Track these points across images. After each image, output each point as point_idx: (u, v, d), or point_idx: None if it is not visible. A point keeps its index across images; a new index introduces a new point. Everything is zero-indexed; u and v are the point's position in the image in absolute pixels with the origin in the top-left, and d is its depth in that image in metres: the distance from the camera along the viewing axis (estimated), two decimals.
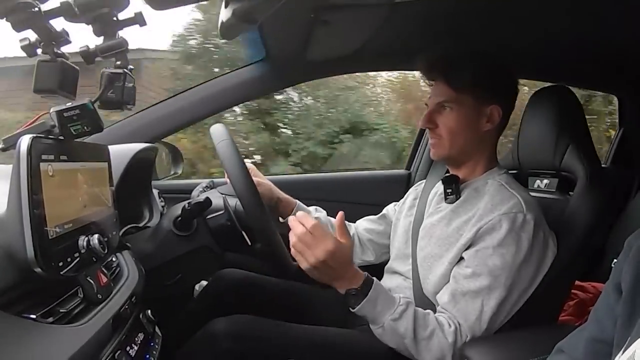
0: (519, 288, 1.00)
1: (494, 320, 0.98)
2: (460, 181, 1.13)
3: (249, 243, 1.11)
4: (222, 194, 1.17)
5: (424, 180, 1.35)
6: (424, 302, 1.10)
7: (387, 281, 1.23)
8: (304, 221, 0.94)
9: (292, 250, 0.95)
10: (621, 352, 0.52)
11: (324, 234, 0.93)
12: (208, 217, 1.12)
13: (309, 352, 1.02)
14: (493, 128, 1.10)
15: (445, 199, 1.13)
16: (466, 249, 1.02)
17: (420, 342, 0.96)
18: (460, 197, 1.11)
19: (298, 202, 1.33)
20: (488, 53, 1.11)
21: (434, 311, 1.05)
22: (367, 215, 1.44)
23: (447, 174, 1.15)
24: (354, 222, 1.42)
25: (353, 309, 0.97)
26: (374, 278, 0.99)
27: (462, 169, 1.14)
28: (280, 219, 1.31)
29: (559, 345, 0.70)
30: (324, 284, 1.29)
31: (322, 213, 1.36)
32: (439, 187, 1.19)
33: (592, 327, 0.64)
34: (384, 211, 1.39)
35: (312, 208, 1.36)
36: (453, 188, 1.11)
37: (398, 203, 1.36)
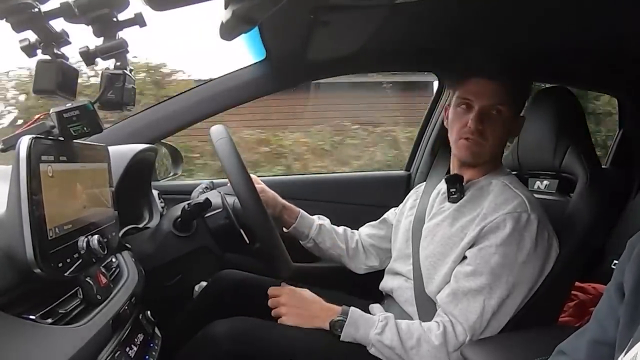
0: (521, 288, 1.00)
1: (495, 319, 0.98)
2: (464, 181, 1.13)
3: (247, 241, 1.11)
4: (220, 192, 1.17)
5: (424, 183, 1.35)
6: (426, 302, 1.10)
7: (389, 282, 1.23)
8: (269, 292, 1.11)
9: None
10: (623, 353, 0.52)
11: (277, 291, 1.11)
12: (206, 215, 1.12)
13: (309, 354, 1.02)
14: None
15: (449, 198, 1.12)
16: (469, 248, 1.02)
17: (410, 351, 0.98)
18: (464, 196, 1.10)
19: (301, 210, 1.33)
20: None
21: (436, 309, 1.05)
22: (367, 215, 1.44)
23: (451, 174, 1.15)
24: (353, 222, 1.42)
25: (340, 338, 1.02)
26: (350, 307, 1.05)
27: (474, 171, 1.14)
28: (284, 229, 1.32)
29: (559, 347, 0.69)
30: (324, 285, 1.30)
31: (325, 221, 1.37)
32: (441, 186, 1.18)
33: (593, 328, 0.63)
34: (385, 216, 1.39)
35: (315, 217, 1.36)
36: (457, 187, 1.11)
37: (398, 207, 1.37)
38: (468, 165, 1.14)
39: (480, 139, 1.08)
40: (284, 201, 1.32)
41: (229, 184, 1.11)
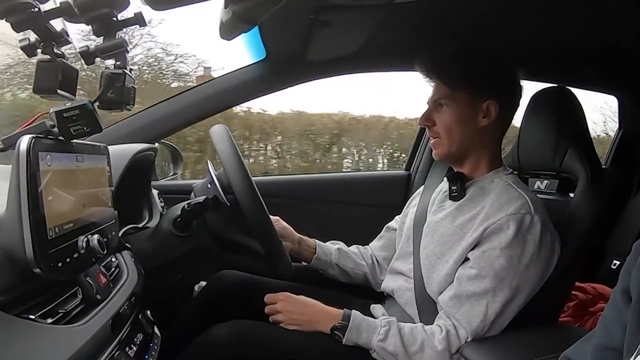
0: (524, 291, 0.99)
1: (497, 322, 0.98)
2: (466, 179, 1.13)
3: (228, 204, 1.10)
4: (208, 162, 1.17)
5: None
6: (426, 301, 1.09)
7: (390, 282, 1.23)
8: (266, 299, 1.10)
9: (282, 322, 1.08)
10: (633, 357, 0.51)
11: (273, 299, 1.09)
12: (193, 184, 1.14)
13: (310, 356, 1.02)
14: (490, 123, 1.09)
15: (450, 196, 1.12)
16: (472, 249, 1.01)
17: (413, 357, 0.98)
18: (465, 195, 1.10)
19: (317, 240, 1.33)
20: (483, 49, 1.11)
21: (437, 310, 1.05)
22: (367, 215, 1.44)
23: (453, 172, 1.15)
24: (353, 222, 1.42)
25: (342, 342, 1.01)
26: (352, 310, 1.05)
27: (465, 166, 1.13)
28: (304, 263, 1.32)
29: (565, 353, 0.68)
30: (324, 285, 1.29)
31: (340, 243, 1.36)
32: (444, 185, 1.18)
33: (600, 334, 0.62)
34: (388, 224, 1.38)
35: (329, 243, 1.36)
36: (458, 186, 1.11)
37: (401, 212, 1.35)
38: (453, 163, 1.15)
39: (433, 134, 1.12)
40: (298, 234, 1.31)
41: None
